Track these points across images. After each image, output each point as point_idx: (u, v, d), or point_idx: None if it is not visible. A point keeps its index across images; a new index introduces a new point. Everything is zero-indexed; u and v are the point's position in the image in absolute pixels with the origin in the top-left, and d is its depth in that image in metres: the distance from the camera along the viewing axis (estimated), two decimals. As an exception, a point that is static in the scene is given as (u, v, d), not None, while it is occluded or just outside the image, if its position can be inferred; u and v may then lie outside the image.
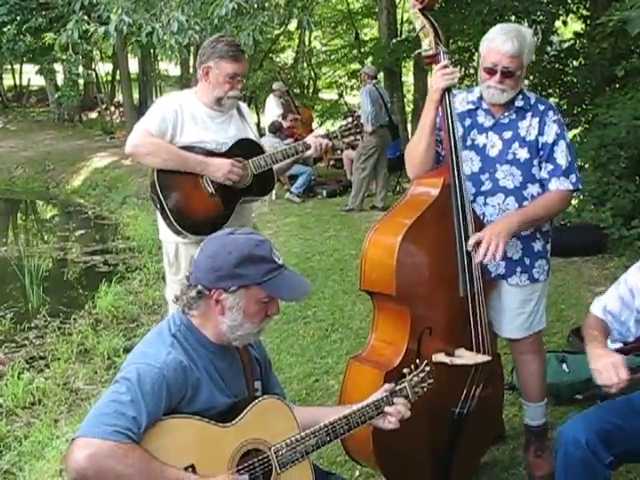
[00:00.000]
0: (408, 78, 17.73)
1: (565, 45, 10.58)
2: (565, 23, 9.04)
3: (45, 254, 9.23)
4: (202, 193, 3.31)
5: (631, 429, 2.44)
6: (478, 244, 2.78)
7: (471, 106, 3.07)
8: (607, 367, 2.30)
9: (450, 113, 2.84)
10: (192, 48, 12.50)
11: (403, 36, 15.21)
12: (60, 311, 6.70)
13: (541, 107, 3.01)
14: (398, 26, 15.17)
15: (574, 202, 7.45)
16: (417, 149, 2.97)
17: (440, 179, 2.86)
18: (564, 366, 3.98)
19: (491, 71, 2.89)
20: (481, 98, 3.04)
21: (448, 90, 2.84)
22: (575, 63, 9.10)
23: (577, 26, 10.86)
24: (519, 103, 2.99)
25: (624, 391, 2.35)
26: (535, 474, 3.21)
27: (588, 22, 9.19)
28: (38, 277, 7.31)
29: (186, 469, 1.86)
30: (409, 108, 16.15)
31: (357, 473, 3.30)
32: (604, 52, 8.23)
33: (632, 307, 2.55)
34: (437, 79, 2.83)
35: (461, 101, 3.09)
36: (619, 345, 3.37)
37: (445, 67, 2.83)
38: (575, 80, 9.47)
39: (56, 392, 4.93)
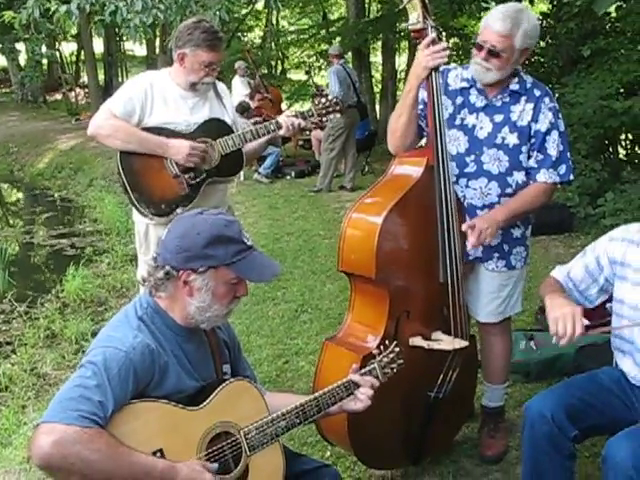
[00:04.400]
0: (376, 58, 17.70)
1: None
2: (532, 3, 9.03)
3: (11, 238, 9.08)
4: (166, 174, 3.27)
5: (597, 404, 2.49)
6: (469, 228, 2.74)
7: (465, 84, 2.96)
8: (566, 316, 2.28)
9: (436, 93, 2.70)
10: (158, 28, 12.36)
11: (371, 16, 15.18)
12: (27, 295, 6.60)
13: (537, 92, 2.90)
14: (366, 6, 15.12)
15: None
16: (398, 123, 2.88)
17: (423, 159, 2.77)
18: (532, 344, 4.02)
19: (480, 47, 2.80)
20: None
21: (435, 69, 2.70)
22: (542, 43, 9.12)
23: (544, 6, 10.89)
24: (514, 87, 2.90)
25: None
26: (486, 454, 3.24)
27: (555, 2, 9.22)
28: (4, 261, 7.18)
29: (154, 453, 1.85)
30: (377, 88, 16.14)
31: (328, 454, 3.31)
32: (570, 32, 8.27)
33: (596, 276, 2.56)
34: (426, 56, 2.68)
35: (454, 78, 2.99)
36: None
37: (433, 42, 2.68)
38: (542, 60, 9.50)
39: (23, 378, 4.87)
